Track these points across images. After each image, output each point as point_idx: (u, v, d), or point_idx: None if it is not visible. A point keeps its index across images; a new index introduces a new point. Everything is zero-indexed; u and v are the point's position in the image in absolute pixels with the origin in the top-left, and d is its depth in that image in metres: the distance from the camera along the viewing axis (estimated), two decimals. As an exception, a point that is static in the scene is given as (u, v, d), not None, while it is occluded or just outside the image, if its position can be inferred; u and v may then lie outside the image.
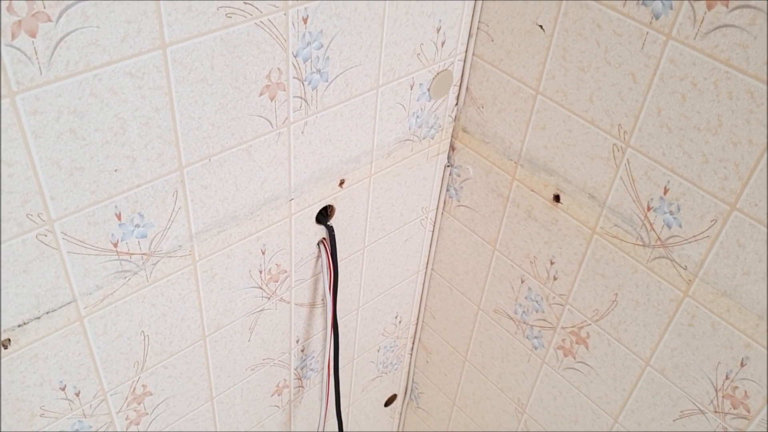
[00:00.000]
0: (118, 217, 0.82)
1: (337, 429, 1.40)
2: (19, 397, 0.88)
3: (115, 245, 0.84)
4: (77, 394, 0.94)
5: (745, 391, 0.97)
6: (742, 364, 0.96)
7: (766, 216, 0.85)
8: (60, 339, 0.87)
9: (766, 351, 0.92)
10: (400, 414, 1.78)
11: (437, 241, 1.37)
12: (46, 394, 0.91)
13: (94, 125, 0.73)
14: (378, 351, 1.51)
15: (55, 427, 0.95)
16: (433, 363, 1.58)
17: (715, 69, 0.82)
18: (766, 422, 0.96)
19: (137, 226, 0.85)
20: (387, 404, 1.70)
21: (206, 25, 0.76)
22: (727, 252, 0.91)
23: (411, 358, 1.63)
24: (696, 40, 0.82)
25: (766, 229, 0.86)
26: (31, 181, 0.72)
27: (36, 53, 0.65)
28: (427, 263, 1.42)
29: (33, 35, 0.64)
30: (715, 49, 0.81)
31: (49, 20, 0.64)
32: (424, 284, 1.46)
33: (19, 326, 0.82)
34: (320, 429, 1.35)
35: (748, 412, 0.98)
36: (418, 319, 1.53)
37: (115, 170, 0.78)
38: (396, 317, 1.47)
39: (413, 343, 1.59)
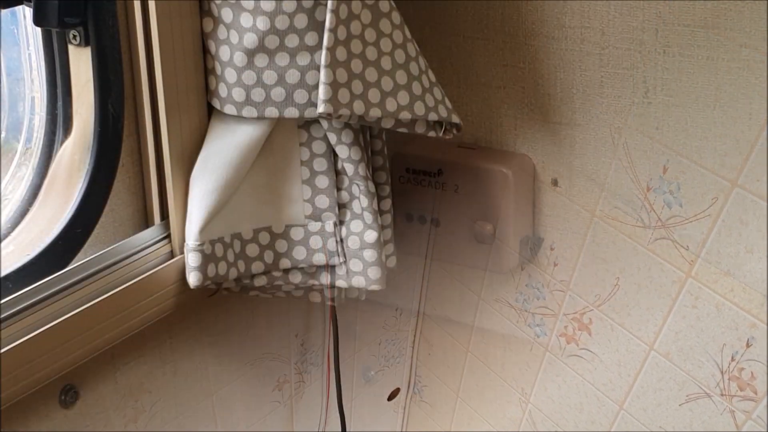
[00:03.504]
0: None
1: (339, 424, 1.38)
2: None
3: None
4: (72, 392, 0.93)
5: (752, 372, 0.96)
6: (747, 345, 0.94)
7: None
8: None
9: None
10: (404, 408, 1.76)
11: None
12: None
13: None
14: (379, 344, 1.49)
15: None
16: (435, 355, 1.56)
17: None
18: (773, 403, 0.95)
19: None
20: (390, 398, 1.69)
21: None
22: (729, 230, 0.89)
23: (413, 350, 1.61)
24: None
25: (768, 205, 0.84)
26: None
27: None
28: (426, 253, 1.40)
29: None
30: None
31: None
32: (423, 275, 1.44)
33: None
34: (322, 424, 1.33)
35: (755, 393, 0.96)
36: (418, 311, 1.52)
37: None
38: (396, 309, 1.46)
39: (415, 336, 1.58)
